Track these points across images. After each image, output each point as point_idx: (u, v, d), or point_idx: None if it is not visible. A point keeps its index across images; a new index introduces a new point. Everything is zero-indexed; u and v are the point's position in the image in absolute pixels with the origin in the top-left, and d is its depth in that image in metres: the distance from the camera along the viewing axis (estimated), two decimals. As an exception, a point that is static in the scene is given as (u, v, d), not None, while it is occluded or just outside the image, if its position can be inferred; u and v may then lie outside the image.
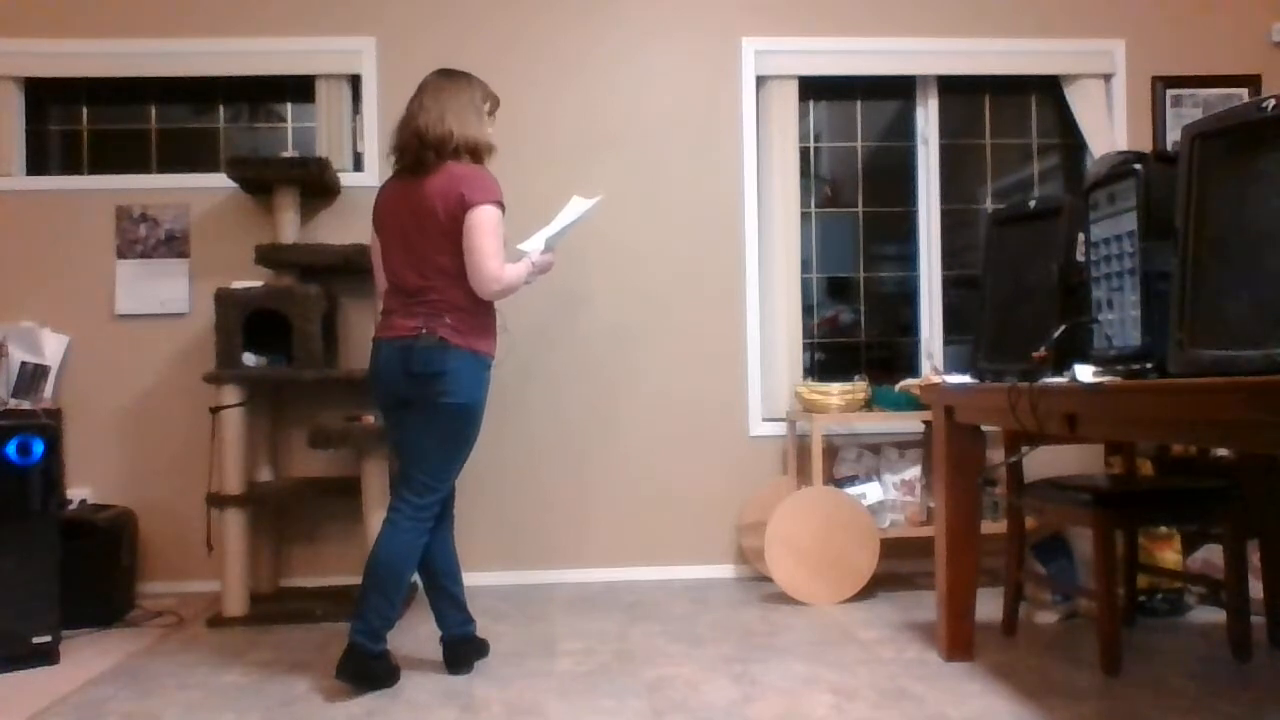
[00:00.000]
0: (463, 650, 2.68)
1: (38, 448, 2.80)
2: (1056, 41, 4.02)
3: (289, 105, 4.01)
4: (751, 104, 3.96)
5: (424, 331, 2.47)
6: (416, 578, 3.59)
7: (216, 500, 3.29)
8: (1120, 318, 2.03)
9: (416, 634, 3.09)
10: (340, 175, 3.78)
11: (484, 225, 2.47)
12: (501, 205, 2.52)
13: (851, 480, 3.67)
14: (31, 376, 3.63)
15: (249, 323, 3.35)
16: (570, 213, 2.76)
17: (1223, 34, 4.08)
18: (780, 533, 3.38)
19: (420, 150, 2.51)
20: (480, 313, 2.56)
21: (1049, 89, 4.15)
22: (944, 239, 4.14)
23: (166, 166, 3.94)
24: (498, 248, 2.49)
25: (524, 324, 3.88)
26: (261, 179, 3.55)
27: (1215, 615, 3.10)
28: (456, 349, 2.48)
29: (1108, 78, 4.06)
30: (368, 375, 2.63)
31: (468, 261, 2.48)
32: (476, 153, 2.58)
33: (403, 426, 2.56)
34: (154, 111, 3.97)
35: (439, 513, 2.62)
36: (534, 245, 2.68)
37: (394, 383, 2.52)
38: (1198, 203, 1.69)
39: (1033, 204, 2.63)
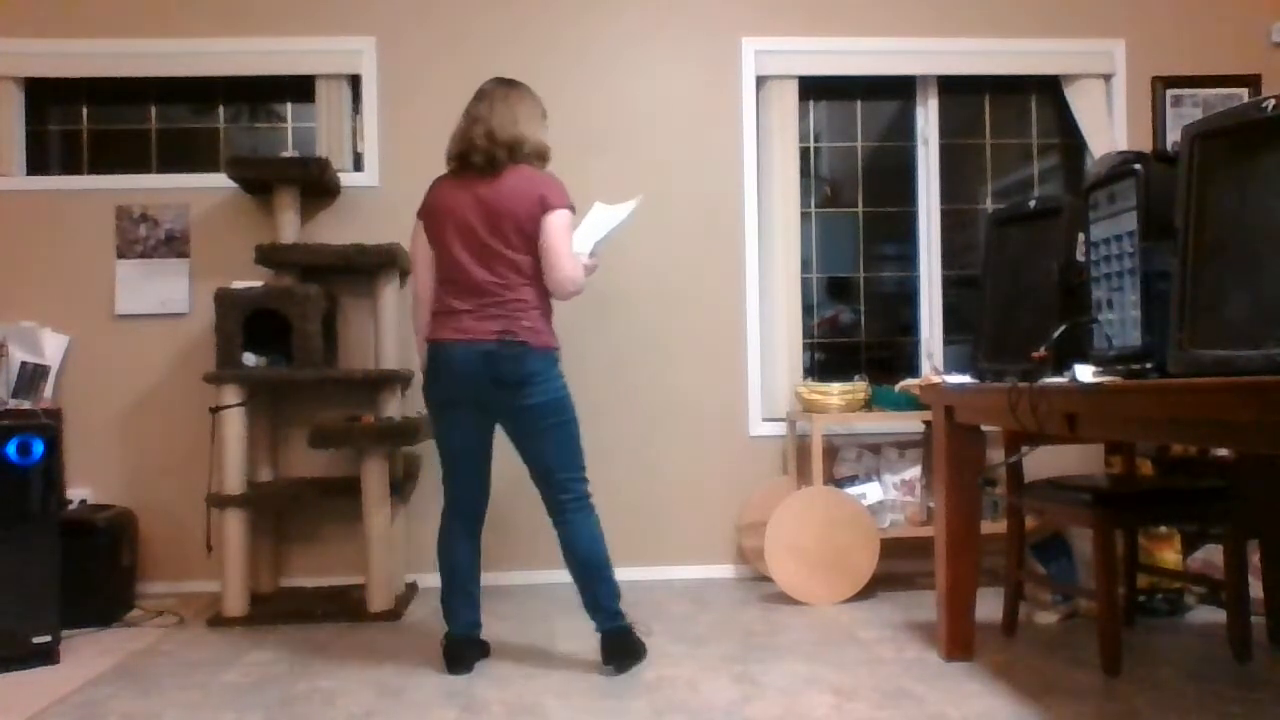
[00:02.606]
0: (466, 650, 2.69)
1: (38, 448, 2.80)
2: (1056, 41, 4.02)
3: (289, 105, 4.00)
4: (751, 104, 3.96)
5: (506, 337, 2.52)
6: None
7: (216, 500, 3.29)
8: (1120, 318, 2.03)
9: (416, 634, 3.09)
10: (340, 175, 3.78)
11: (563, 228, 2.56)
12: (573, 209, 2.60)
13: (851, 480, 3.68)
14: (31, 376, 3.63)
15: (249, 323, 3.35)
16: (611, 216, 2.80)
17: (1223, 34, 4.08)
18: (780, 532, 3.38)
19: (493, 150, 2.56)
20: (548, 311, 2.64)
21: (1049, 89, 4.15)
22: (944, 239, 4.14)
23: (166, 166, 3.94)
24: (572, 250, 2.59)
25: (524, 324, 3.88)
26: (261, 179, 3.55)
27: (1215, 615, 3.10)
28: (536, 351, 2.54)
29: (1108, 78, 4.06)
30: (430, 375, 2.61)
31: (547, 262, 2.55)
32: (543, 158, 2.67)
33: (462, 427, 2.62)
34: (154, 111, 3.97)
35: (478, 514, 2.73)
36: (581, 249, 2.73)
37: (473, 387, 2.55)
38: (1198, 203, 1.69)
39: (1033, 204, 2.63)
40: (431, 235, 2.65)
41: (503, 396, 2.54)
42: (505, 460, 3.86)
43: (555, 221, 2.54)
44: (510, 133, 2.58)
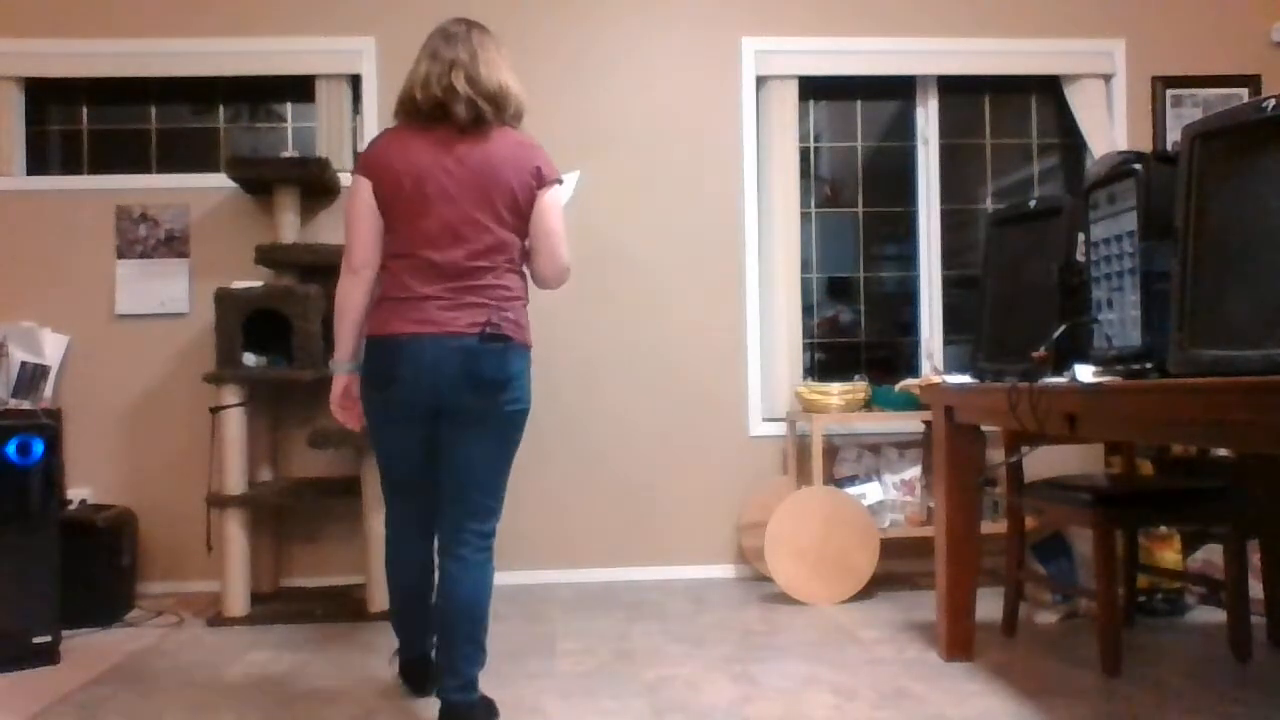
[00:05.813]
0: (433, 668, 2.42)
1: (38, 448, 2.80)
2: (1056, 41, 4.02)
3: (289, 105, 4.00)
4: (751, 104, 3.96)
5: (488, 330, 2.11)
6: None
7: (216, 500, 3.29)
8: (1120, 318, 2.03)
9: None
10: (340, 175, 3.78)
11: (560, 207, 2.22)
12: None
13: (851, 480, 3.68)
14: (31, 376, 3.63)
15: (249, 323, 3.35)
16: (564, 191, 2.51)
17: (1223, 34, 4.08)
18: (780, 533, 3.38)
19: (478, 102, 2.13)
20: (526, 301, 2.26)
21: (1049, 89, 4.15)
22: (944, 239, 4.14)
23: (166, 166, 3.94)
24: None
25: (524, 324, 3.88)
26: (261, 179, 3.55)
27: (1215, 615, 3.10)
28: (520, 348, 2.16)
29: (1108, 78, 4.06)
30: (378, 378, 2.15)
31: (545, 246, 2.20)
32: (520, 120, 2.26)
33: (417, 438, 2.21)
34: (154, 111, 3.97)
35: (431, 526, 2.32)
36: None
37: (441, 391, 2.11)
38: (1198, 203, 1.69)
39: (1033, 204, 2.63)
40: (387, 198, 2.16)
41: (476, 401, 2.11)
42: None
43: (554, 199, 2.19)
44: (496, 81, 2.15)
